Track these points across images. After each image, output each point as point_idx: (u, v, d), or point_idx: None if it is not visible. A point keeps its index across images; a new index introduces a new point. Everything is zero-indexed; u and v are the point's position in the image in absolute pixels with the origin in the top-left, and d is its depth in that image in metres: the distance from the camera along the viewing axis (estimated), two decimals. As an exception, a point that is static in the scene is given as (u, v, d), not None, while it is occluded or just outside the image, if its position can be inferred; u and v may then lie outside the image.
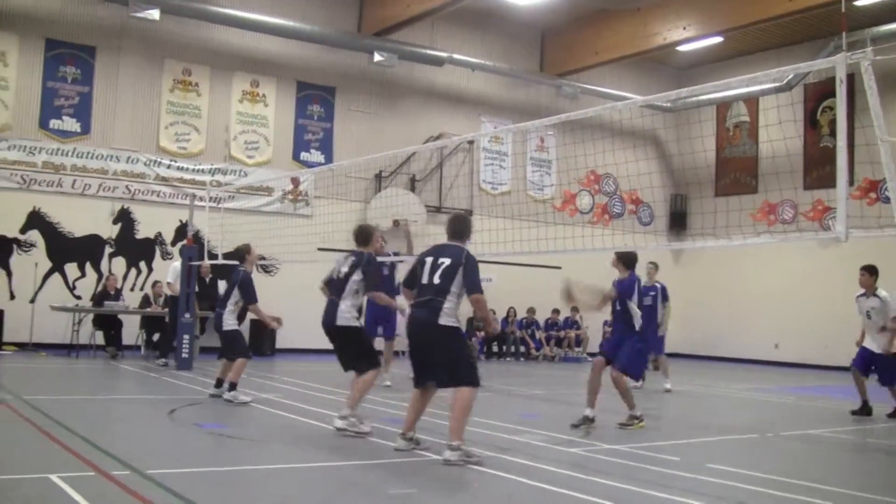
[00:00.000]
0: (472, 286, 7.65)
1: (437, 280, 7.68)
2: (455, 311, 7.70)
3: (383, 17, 21.68)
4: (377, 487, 6.56)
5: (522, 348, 23.67)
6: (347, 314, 8.87)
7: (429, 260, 7.85)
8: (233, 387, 10.97)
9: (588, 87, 25.31)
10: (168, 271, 17.55)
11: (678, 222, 27.97)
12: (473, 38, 24.10)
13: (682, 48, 24.41)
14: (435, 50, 22.82)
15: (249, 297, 11.28)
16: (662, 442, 9.50)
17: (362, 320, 9.26)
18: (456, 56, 23.04)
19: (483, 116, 24.52)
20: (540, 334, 24.04)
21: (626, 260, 10.30)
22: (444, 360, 7.64)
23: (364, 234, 9.34)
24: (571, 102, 24.73)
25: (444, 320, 7.60)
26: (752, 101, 26.12)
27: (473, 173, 24.32)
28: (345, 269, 9.05)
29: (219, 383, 11.49)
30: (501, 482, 6.86)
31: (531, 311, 23.90)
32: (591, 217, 26.27)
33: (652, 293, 15.25)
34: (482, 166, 24.67)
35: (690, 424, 11.75)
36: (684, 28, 22.13)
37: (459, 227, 8.10)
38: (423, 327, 7.72)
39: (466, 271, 7.65)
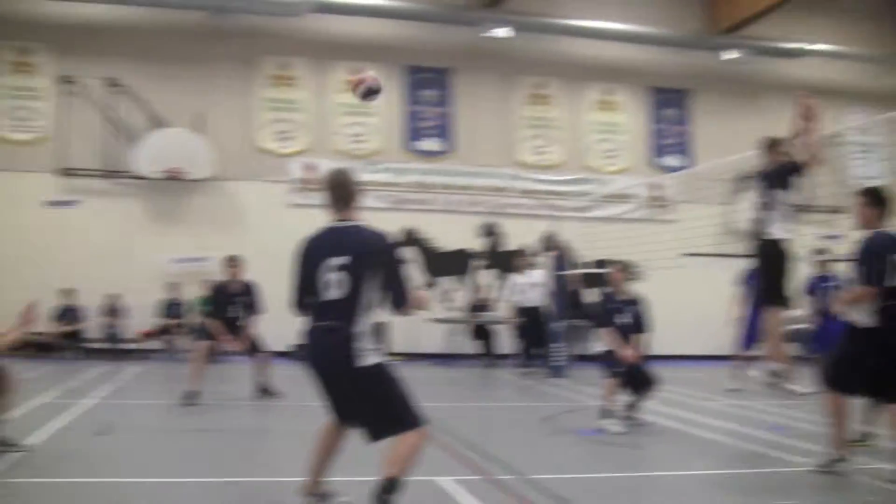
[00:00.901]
0: None
1: None
2: None
3: (732, 13, 20.67)
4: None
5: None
6: None
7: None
8: (606, 413, 9.07)
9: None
10: (508, 289, 17.87)
11: None
12: (829, 24, 22.14)
13: None
14: (789, 42, 21.43)
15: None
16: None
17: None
18: (812, 47, 21.48)
19: (848, 107, 22.69)
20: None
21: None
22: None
23: None
24: (949, 83, 22.31)
25: None
26: None
27: (841, 169, 22.59)
28: None
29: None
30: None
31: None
32: None
33: None
34: (851, 160, 22.89)
35: None
36: None
37: (883, 197, 6.80)
38: None
39: None
